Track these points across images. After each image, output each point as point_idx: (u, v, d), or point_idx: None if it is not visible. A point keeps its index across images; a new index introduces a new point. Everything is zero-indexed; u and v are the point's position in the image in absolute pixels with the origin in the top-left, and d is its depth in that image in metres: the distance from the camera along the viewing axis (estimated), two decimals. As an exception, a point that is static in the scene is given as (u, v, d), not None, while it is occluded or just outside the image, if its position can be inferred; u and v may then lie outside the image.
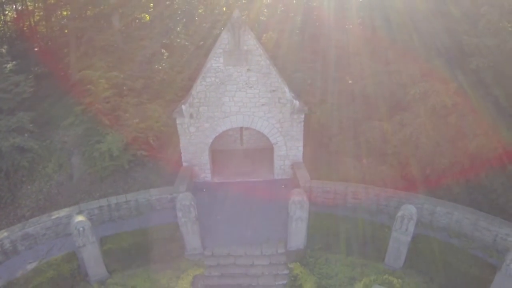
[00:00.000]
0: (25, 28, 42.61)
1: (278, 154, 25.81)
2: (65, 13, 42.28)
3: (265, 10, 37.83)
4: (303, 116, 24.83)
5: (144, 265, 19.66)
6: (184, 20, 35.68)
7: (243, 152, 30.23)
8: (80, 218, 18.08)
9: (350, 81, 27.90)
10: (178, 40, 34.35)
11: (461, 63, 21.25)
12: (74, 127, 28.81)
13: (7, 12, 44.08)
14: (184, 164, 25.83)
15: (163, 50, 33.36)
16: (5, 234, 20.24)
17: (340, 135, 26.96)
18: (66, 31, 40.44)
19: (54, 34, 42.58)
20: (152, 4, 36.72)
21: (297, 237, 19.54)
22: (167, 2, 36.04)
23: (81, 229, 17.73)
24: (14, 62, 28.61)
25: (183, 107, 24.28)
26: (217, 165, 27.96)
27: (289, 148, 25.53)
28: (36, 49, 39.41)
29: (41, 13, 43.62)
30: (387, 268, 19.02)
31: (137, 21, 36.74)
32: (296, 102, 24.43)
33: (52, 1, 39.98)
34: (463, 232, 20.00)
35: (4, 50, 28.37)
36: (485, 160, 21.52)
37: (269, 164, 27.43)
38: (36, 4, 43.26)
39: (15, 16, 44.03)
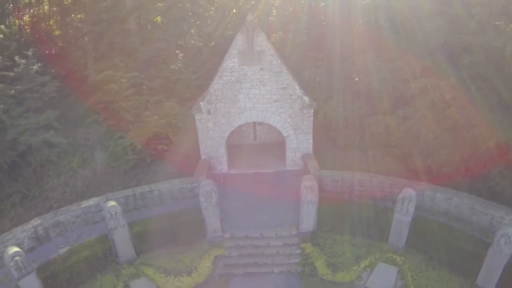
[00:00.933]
0: (40, 32, 45.02)
1: (290, 146, 28.18)
2: (79, 16, 44.87)
3: (273, 11, 40.14)
4: (312, 111, 27.17)
5: (169, 247, 21.95)
6: (198, 22, 37.97)
7: (257, 147, 32.66)
8: (112, 203, 20.48)
9: (356, 78, 30.13)
10: (192, 42, 36.65)
11: (457, 60, 23.43)
12: (95, 125, 31.33)
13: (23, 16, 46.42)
14: (203, 157, 28.25)
15: (177, 51, 35.68)
16: (39, 221, 22.60)
17: (346, 129, 29.30)
18: (79, 33, 43.03)
19: (69, 37, 44.84)
20: (160, 5, 39.07)
21: (308, 219, 21.90)
22: (179, 5, 38.34)
23: (113, 212, 20.14)
24: (39, 64, 31.01)
25: (201, 104, 26.67)
26: (232, 158, 30.27)
27: (300, 141, 27.88)
28: (48, 52, 41.41)
29: (57, 17, 46.12)
30: (391, 248, 21.28)
31: (152, 23, 39.01)
32: (306, 98, 26.77)
33: (67, 5, 42.58)
34: (462, 216, 22.04)
35: (30, 53, 30.72)
36: (483, 150, 23.66)
37: (281, 157, 29.76)
38: (52, 8, 45.68)
39: (31, 19, 46.45)
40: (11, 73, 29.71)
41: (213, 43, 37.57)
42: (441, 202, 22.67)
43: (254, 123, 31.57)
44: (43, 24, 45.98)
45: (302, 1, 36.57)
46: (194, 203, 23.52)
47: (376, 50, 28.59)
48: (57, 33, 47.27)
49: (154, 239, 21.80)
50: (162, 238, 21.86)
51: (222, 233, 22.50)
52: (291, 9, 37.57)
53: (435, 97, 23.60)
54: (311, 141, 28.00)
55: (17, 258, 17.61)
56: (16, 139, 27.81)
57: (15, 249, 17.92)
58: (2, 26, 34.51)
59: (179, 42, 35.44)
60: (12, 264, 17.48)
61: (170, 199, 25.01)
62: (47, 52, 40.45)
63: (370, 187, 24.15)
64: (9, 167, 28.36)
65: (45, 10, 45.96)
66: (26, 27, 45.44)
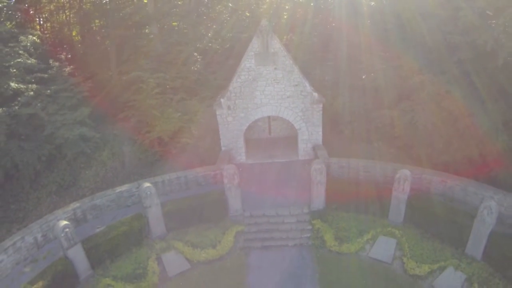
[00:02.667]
0: (63, 38, 49.15)
1: (302, 138, 31.96)
2: (97, 21, 49.05)
3: (285, 15, 43.99)
4: (321, 105, 30.92)
5: (195, 225, 25.78)
6: (214, 26, 41.92)
7: (271, 140, 36.57)
8: (147, 184, 24.35)
9: (363, 76, 33.74)
10: (210, 44, 40.53)
11: (449, 57, 27.02)
12: (123, 121, 35.28)
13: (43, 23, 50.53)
14: (223, 148, 32.11)
15: (195, 53, 39.60)
16: (77, 205, 26.49)
17: (354, 122, 32.94)
18: (98, 38, 47.12)
19: (89, 42, 48.89)
20: (176, 10, 42.98)
21: (318, 199, 25.62)
22: (199, 10, 42.41)
23: (148, 192, 23.99)
24: (71, 66, 35.12)
25: (222, 100, 30.56)
26: (249, 150, 34.02)
27: (311, 133, 31.63)
28: (70, 56, 45.30)
29: (76, 24, 50.38)
30: (391, 223, 24.95)
31: (172, 28, 43.00)
32: (315, 94, 30.53)
33: (89, 11, 46.72)
34: (456, 197, 25.35)
35: (63, 56, 34.84)
36: (477, 138, 27.08)
37: (294, 148, 33.45)
38: (70, 15, 49.86)
39: (55, 26, 50.70)
40: (46, 75, 33.69)
41: (228, 45, 41.56)
42: (437, 184, 26.16)
43: (269, 118, 35.44)
44: (65, 29, 50.11)
45: (312, 4, 40.38)
46: (217, 188, 27.36)
47: (382, 50, 32.22)
48: (76, 38, 51.42)
49: (182, 218, 25.58)
50: (189, 217, 25.63)
51: (242, 212, 26.26)
52: (301, 12, 41.30)
53: (431, 90, 27.22)
54: (320, 133, 31.73)
55: (67, 230, 21.38)
56: (53, 134, 31.67)
57: (65, 222, 21.74)
58: (38, 32, 38.50)
59: (197, 45, 39.24)
60: (62, 235, 21.21)
61: (195, 185, 28.82)
62: (69, 56, 44.24)
63: (374, 172, 27.77)
64: (46, 159, 32.32)
65: (66, 17, 50.11)
66: (46, 32, 49.50)
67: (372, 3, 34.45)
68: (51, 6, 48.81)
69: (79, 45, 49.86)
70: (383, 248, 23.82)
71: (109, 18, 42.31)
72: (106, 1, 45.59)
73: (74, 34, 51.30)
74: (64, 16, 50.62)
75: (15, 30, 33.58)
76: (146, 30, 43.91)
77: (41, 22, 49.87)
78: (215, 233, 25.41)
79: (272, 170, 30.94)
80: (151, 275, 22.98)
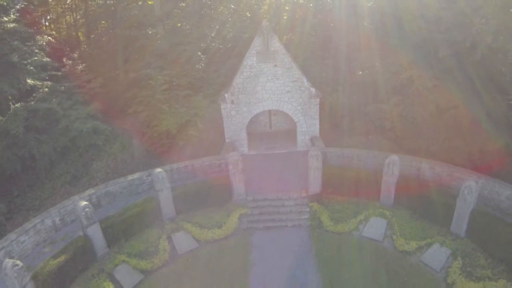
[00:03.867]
0: (71, 38, 51.88)
1: (300, 130, 34.59)
2: (103, 22, 51.73)
3: (285, 15, 46.68)
4: (318, 100, 33.54)
5: (203, 208, 28.44)
6: (217, 27, 44.59)
7: (272, 134, 39.21)
8: (159, 169, 26.93)
9: (360, 72, 36.35)
10: (213, 44, 43.17)
11: (434, 54, 29.65)
12: (131, 117, 37.87)
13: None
14: (227, 140, 34.76)
15: (199, 53, 42.17)
16: (92, 191, 29.04)
17: (349, 116, 35.53)
18: (103, 38, 49.72)
19: (94, 41, 51.53)
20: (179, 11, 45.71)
21: (315, 183, 28.19)
22: (202, 11, 45.12)
23: (160, 177, 26.54)
24: (84, 65, 37.80)
25: (226, 95, 33.18)
26: (251, 142, 36.55)
27: (309, 125, 34.25)
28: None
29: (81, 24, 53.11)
30: (382, 205, 27.55)
31: (177, 28, 45.63)
32: (313, 90, 33.16)
33: (98, 13, 49.43)
34: (443, 183, 27.83)
35: (76, 55, 37.51)
36: (462, 129, 29.65)
37: (293, 140, 36.11)
38: (77, 16, 52.58)
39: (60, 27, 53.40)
40: (59, 73, 36.35)
41: (229, 45, 44.25)
42: (426, 171, 28.59)
43: (270, 113, 38.06)
44: (72, 30, 52.80)
45: (311, 4, 43.07)
46: (222, 175, 29.94)
47: (375, 48, 34.85)
48: (82, 38, 54.09)
49: (190, 202, 28.16)
50: (197, 201, 28.24)
51: (245, 196, 28.86)
52: (300, 13, 43.99)
53: (419, 85, 29.87)
54: (318, 125, 34.36)
55: (87, 209, 23.92)
56: (68, 127, 34.28)
57: (85, 202, 24.32)
58: (53, 32, 41.20)
59: (201, 45, 41.89)
60: (83, 214, 23.73)
61: (201, 173, 31.28)
62: (75, 54, 46.80)
63: (366, 160, 30.31)
64: (61, 151, 34.86)
65: (73, 19, 52.82)
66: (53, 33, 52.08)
67: (370, 3, 36.99)
68: (58, 9, 51.52)
69: (85, 46, 52.27)
70: (374, 228, 26.31)
71: (116, 19, 44.91)
72: (112, 3, 48.26)
73: (80, 34, 53.88)
74: (71, 18, 53.27)
75: (31, 30, 36.12)
76: (150, 31, 46.56)
77: (47, 24, 52.40)
78: (220, 215, 27.94)
79: (272, 160, 33.58)
80: (162, 253, 25.35)
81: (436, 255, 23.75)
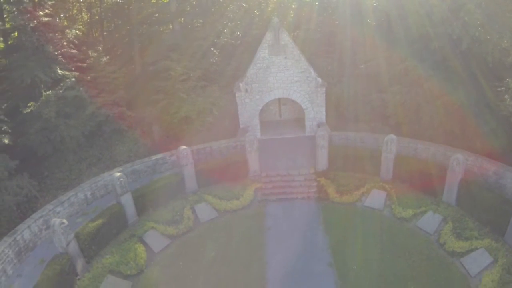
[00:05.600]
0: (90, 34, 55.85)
1: (308, 117, 38.58)
2: (117, 20, 55.62)
3: (291, 13, 50.87)
4: (324, 89, 37.52)
5: (222, 182, 32.39)
6: (229, 24, 48.65)
7: (282, 121, 43.22)
8: (184, 147, 30.85)
9: (362, 66, 40.28)
10: (225, 39, 47.18)
11: (428, 47, 33.57)
12: (150, 105, 41.76)
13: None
14: (241, 126, 38.70)
15: (212, 48, 46.08)
16: (120, 169, 32.92)
17: (353, 105, 39.45)
18: (117, 35, 53.66)
19: (110, 37, 55.61)
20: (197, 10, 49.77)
21: (322, 161, 32.20)
22: (213, 9, 49.29)
23: (185, 153, 30.49)
24: (108, 57, 41.80)
25: (241, 84, 37.12)
26: (263, 129, 40.25)
27: (316, 112, 38.23)
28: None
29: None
30: (382, 180, 31.58)
31: (192, 25, 49.76)
32: (319, 80, 37.11)
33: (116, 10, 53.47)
34: (437, 161, 31.46)
35: (100, 48, 41.53)
36: (454, 114, 33.16)
37: (301, 127, 40.02)
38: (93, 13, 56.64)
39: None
40: (85, 64, 40.30)
41: (239, 42, 48.34)
42: (422, 151, 32.48)
43: (279, 103, 41.99)
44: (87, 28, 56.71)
45: (317, 3, 47.14)
46: (238, 153, 34.00)
47: (376, 42, 38.86)
48: (96, 34, 57.92)
49: (211, 177, 32.12)
50: (216, 176, 32.16)
51: (259, 173, 32.87)
52: (307, 11, 48.07)
53: (414, 75, 33.83)
54: (324, 112, 38.32)
55: (121, 179, 27.77)
56: (94, 113, 38.15)
57: (119, 174, 28.22)
58: (80, 26, 45.18)
59: (215, 40, 45.94)
60: (118, 183, 27.58)
61: (218, 154, 35.21)
62: (100, 48, 50.47)
63: (368, 142, 34.28)
64: (88, 135, 38.65)
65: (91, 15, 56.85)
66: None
67: (374, 3, 40.77)
68: (74, 10, 55.53)
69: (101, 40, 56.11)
70: (376, 199, 30.32)
71: (131, 17, 49.04)
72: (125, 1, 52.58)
73: (95, 31, 57.78)
74: (87, 15, 57.19)
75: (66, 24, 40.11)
76: (166, 28, 50.75)
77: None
78: (237, 189, 31.89)
79: (283, 143, 37.56)
80: (186, 220, 29.29)
81: (430, 220, 27.73)
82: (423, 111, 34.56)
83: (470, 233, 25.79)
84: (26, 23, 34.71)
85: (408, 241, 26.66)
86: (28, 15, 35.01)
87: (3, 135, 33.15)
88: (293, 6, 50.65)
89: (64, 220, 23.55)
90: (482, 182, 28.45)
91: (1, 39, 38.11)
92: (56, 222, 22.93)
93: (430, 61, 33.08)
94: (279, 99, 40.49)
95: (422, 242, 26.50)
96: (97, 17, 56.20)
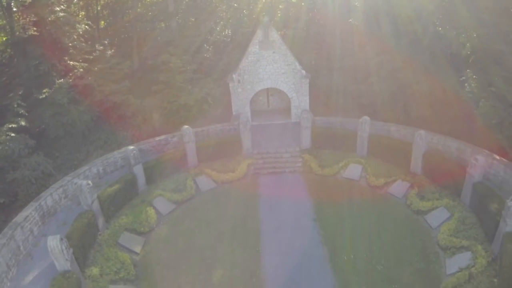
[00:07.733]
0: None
1: (294, 105, 44.05)
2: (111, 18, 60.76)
3: (279, 13, 56.29)
4: (308, 80, 42.98)
5: (219, 159, 37.72)
6: (221, 22, 54.28)
7: (270, 110, 48.68)
8: (186, 126, 36.15)
9: (342, 59, 45.80)
10: (218, 37, 52.70)
11: (401, 41, 39.24)
12: (149, 96, 46.94)
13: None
14: (234, 113, 43.98)
15: (205, 45, 51.58)
16: (131, 147, 37.89)
17: (335, 95, 44.99)
18: (111, 32, 58.68)
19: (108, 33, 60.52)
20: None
21: (306, 140, 37.92)
22: (208, 9, 54.89)
23: (188, 131, 35.73)
24: (113, 50, 47.09)
25: (234, 76, 42.47)
26: (253, 116, 45.40)
27: (300, 101, 43.73)
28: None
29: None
30: (358, 155, 37.31)
31: (188, 23, 55.37)
32: (303, 72, 42.58)
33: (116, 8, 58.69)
34: (407, 140, 35.72)
35: (106, 42, 46.78)
36: (425, 101, 38.47)
37: (287, 115, 45.47)
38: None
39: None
40: (91, 57, 45.36)
41: (229, 39, 53.99)
42: (394, 133, 37.90)
43: (268, 93, 47.40)
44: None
45: (303, 4, 52.56)
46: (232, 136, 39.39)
47: (355, 38, 44.55)
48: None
49: (209, 154, 37.48)
50: (214, 153, 37.53)
51: (252, 150, 38.35)
52: (293, 11, 53.70)
53: (389, 67, 39.46)
54: (308, 101, 43.86)
55: (134, 152, 32.90)
56: (102, 100, 43.22)
57: (132, 146, 33.52)
58: (89, 21, 50.25)
59: (208, 37, 51.47)
60: (131, 154, 32.68)
61: (214, 135, 40.37)
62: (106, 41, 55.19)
63: (346, 125, 39.73)
64: (96, 119, 43.69)
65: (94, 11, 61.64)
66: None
67: (356, 3, 45.89)
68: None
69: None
70: (353, 171, 35.99)
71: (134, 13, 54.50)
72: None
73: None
74: (90, 11, 61.80)
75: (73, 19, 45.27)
76: (163, 25, 56.20)
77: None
78: (233, 163, 37.31)
79: (271, 128, 43.10)
80: (189, 189, 34.46)
81: (399, 187, 33.41)
82: (397, 98, 40.13)
83: (432, 195, 31.47)
84: (46, 16, 39.79)
85: (380, 204, 32.29)
86: (49, 8, 40.16)
87: (20, 118, 38.15)
88: (280, 7, 56.08)
89: (90, 182, 28.42)
90: (445, 155, 33.74)
91: (22, 30, 42.71)
92: (83, 183, 27.71)
93: (403, 54, 38.55)
94: (268, 89, 45.86)
95: (392, 204, 32.19)
96: (92, 14, 60.69)
